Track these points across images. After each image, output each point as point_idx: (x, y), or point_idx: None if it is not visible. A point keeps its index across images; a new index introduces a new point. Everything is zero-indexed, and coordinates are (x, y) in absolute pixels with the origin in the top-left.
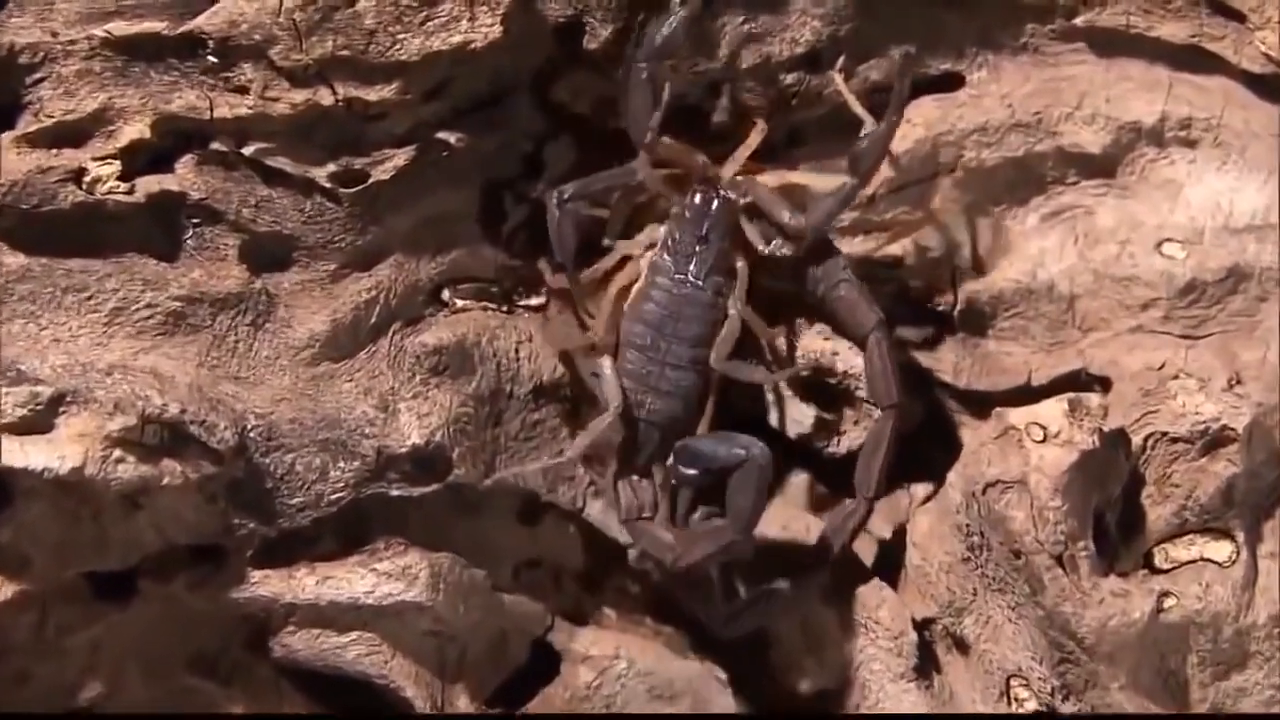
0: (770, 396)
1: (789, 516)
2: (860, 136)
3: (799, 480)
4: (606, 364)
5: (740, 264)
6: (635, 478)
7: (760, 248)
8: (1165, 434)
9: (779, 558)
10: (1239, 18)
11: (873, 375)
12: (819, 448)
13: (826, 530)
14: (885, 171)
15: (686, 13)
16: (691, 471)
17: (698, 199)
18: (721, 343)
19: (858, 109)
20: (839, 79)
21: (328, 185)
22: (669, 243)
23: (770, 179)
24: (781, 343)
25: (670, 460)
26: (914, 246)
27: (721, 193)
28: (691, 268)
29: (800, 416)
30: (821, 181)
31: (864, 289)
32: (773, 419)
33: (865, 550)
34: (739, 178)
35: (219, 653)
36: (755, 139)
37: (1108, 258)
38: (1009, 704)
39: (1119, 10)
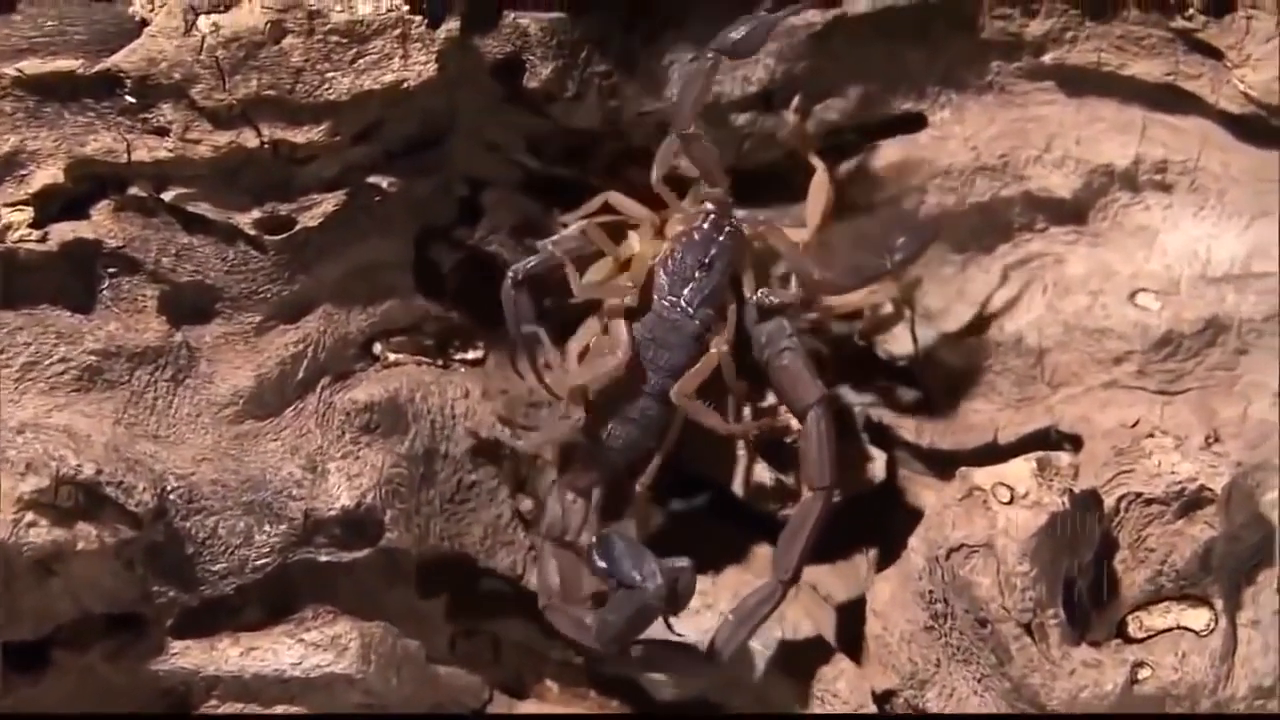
0: (742, 462)
1: (741, 583)
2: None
3: (762, 551)
4: (621, 327)
5: (731, 306)
6: (570, 496)
7: (748, 294)
8: (1139, 495)
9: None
10: (1216, 55)
11: (808, 453)
12: (774, 511)
13: (735, 615)
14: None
15: (772, 19)
16: (603, 565)
17: (708, 223)
18: (690, 376)
19: (810, 155)
20: (794, 120)
21: (252, 232)
22: (668, 262)
23: None
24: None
25: (592, 540)
26: (872, 298)
27: (735, 221)
28: (686, 292)
29: (760, 480)
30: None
31: (809, 360)
32: (736, 484)
33: (823, 619)
34: (755, 212)
35: None
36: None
37: (1079, 309)
38: None
39: (1090, 47)
